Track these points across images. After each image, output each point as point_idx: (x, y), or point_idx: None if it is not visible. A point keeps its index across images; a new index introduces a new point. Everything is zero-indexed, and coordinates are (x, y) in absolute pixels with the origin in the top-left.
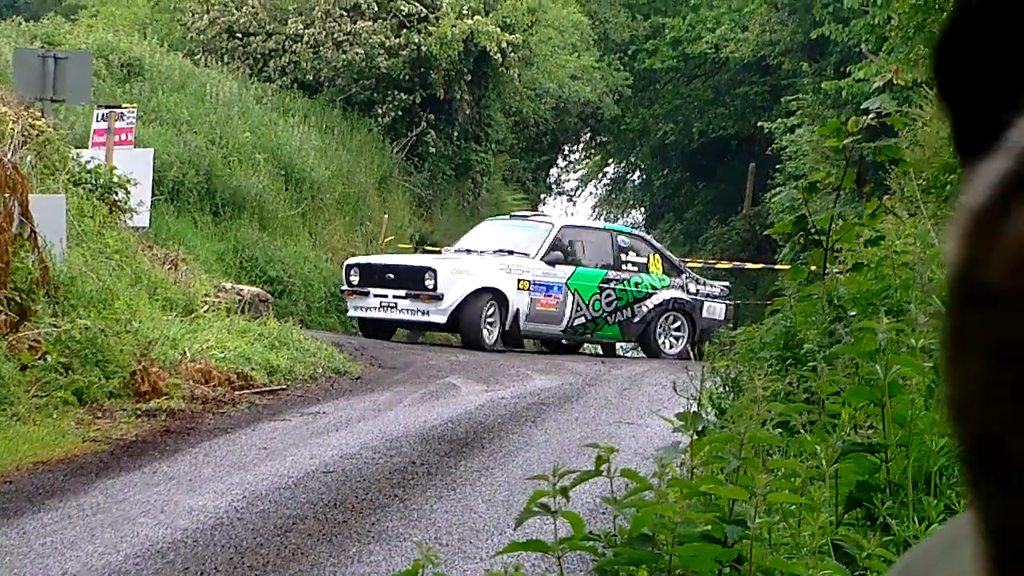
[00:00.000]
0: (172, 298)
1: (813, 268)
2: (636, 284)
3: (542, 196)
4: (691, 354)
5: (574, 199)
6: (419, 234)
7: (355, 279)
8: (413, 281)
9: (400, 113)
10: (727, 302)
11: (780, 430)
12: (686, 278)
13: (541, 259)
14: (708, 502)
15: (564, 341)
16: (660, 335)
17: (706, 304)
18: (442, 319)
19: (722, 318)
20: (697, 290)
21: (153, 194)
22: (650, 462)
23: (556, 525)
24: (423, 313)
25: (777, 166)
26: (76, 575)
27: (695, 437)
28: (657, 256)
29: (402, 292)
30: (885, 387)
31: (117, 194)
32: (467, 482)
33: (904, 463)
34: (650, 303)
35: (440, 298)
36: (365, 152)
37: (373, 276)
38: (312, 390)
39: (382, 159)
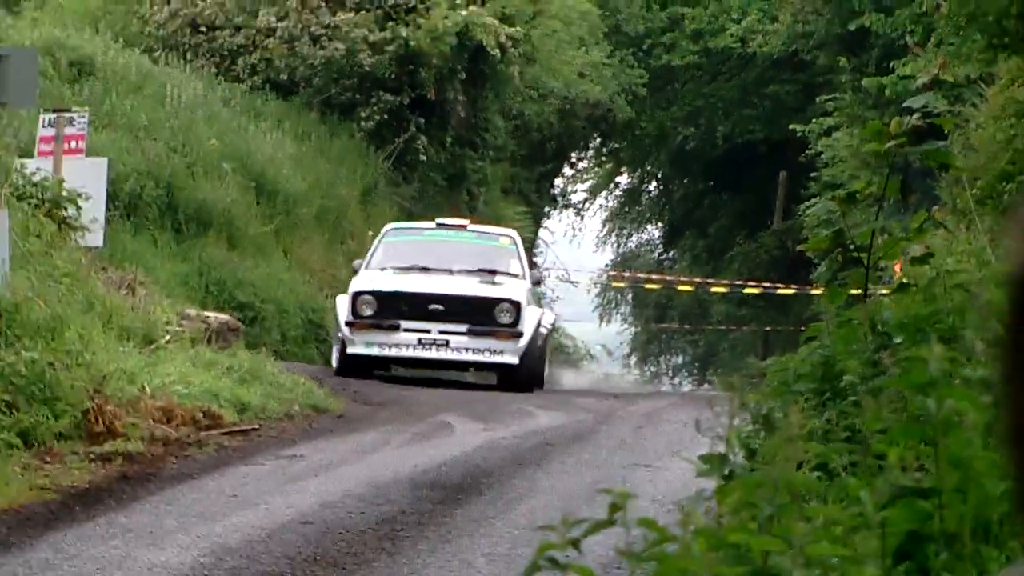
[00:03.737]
0: (129, 327)
1: (853, 290)
2: None
3: (546, 209)
4: None
5: (582, 212)
6: None
7: (368, 310)
8: (480, 315)
9: (386, 117)
10: None
11: (819, 473)
12: None
13: None
14: (739, 555)
15: None
16: None
17: None
18: (515, 359)
19: None
20: None
21: (107, 209)
22: (669, 510)
23: None
24: (494, 352)
25: (812, 174)
26: None
27: (722, 482)
28: None
29: (460, 327)
30: (938, 424)
31: (67, 209)
32: (464, 533)
33: (960, 510)
34: None
35: (520, 335)
36: (346, 161)
37: (401, 306)
38: (288, 430)
39: (366, 168)
